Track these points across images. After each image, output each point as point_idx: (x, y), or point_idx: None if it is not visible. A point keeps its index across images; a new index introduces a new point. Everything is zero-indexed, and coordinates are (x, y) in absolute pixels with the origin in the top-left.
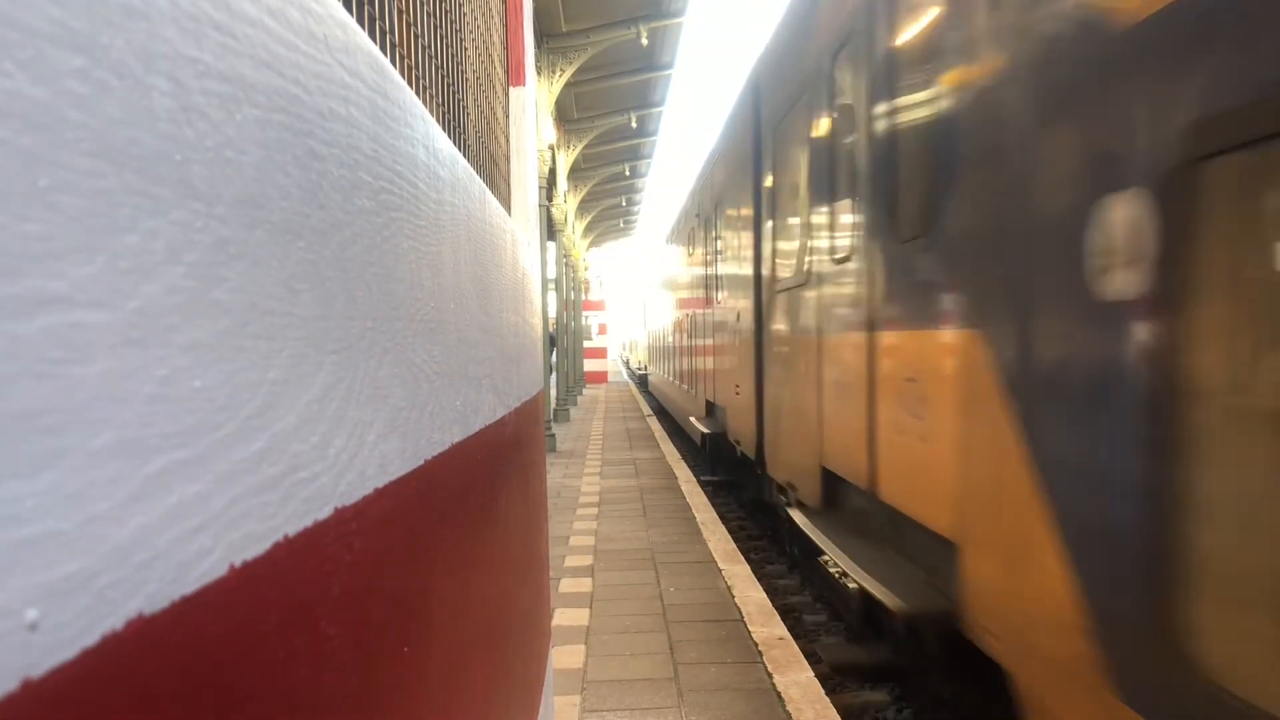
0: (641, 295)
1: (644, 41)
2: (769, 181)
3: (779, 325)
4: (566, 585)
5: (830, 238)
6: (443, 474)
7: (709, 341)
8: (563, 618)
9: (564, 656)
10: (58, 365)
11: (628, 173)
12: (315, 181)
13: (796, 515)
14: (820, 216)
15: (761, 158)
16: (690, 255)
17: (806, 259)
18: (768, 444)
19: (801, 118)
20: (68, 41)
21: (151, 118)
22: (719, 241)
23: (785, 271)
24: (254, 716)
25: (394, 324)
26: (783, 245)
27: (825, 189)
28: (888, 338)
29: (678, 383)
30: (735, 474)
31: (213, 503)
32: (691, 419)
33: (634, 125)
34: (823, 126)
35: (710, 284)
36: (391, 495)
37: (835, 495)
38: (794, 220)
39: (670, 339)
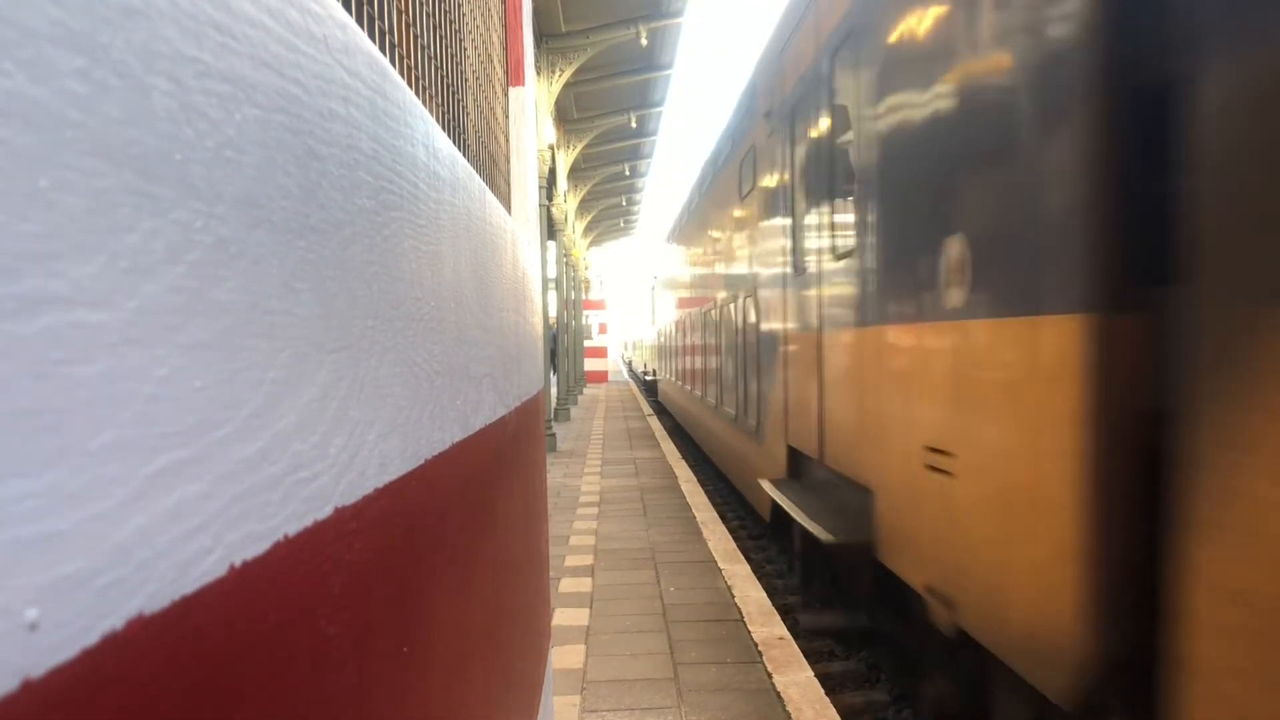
0: (652, 284)
1: (643, 42)
2: None
3: None
4: (566, 585)
5: None
6: (443, 473)
7: (808, 335)
8: (563, 617)
9: (564, 656)
10: (58, 365)
11: (628, 172)
12: (315, 181)
13: None
14: None
15: None
16: (739, 206)
17: None
18: None
19: None
20: (68, 41)
21: (151, 118)
22: (841, 141)
23: None
24: (254, 716)
25: (394, 323)
26: None
27: None
28: None
29: (710, 400)
30: (874, 612)
31: (213, 502)
32: (764, 484)
33: (634, 125)
34: None
35: (797, 235)
36: (391, 495)
37: None
38: None
39: (696, 338)
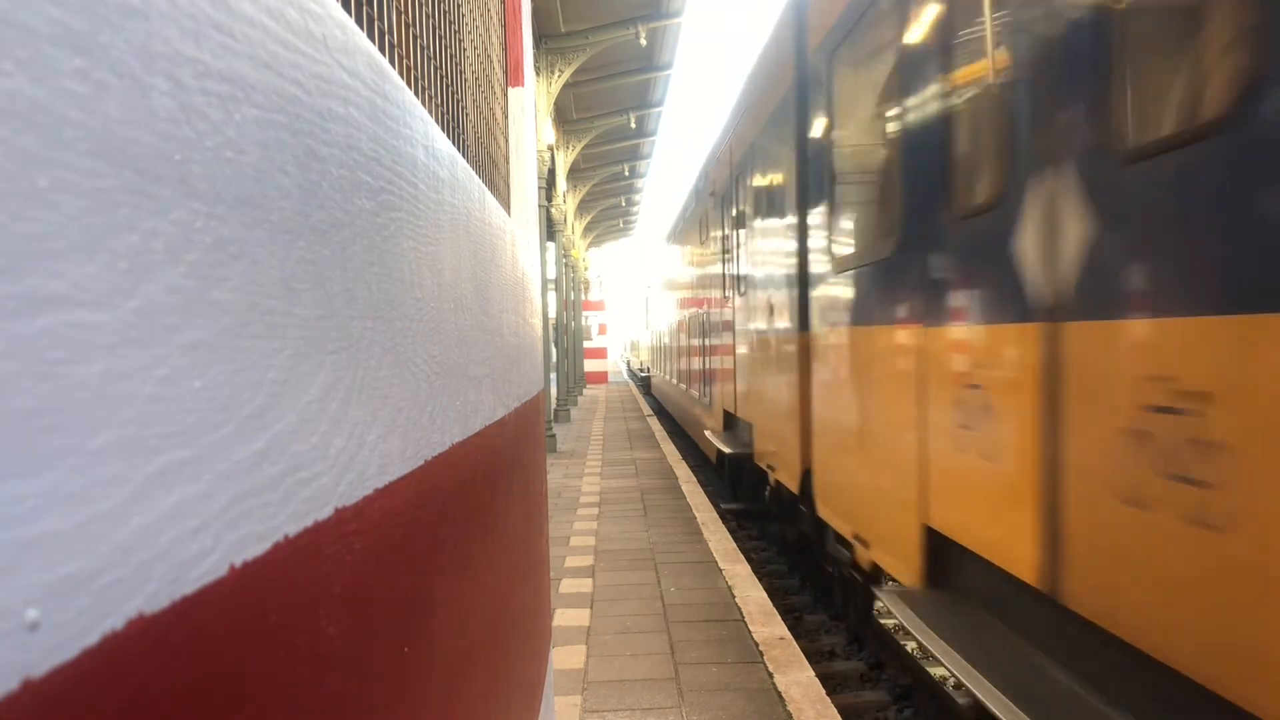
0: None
1: (643, 42)
2: None
3: None
4: (567, 585)
5: None
6: (443, 474)
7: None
8: (563, 618)
9: (565, 657)
10: (58, 365)
11: (627, 173)
12: (315, 181)
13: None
14: None
15: None
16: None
17: None
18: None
19: None
20: (67, 41)
21: (151, 118)
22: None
23: None
24: (254, 716)
25: (394, 324)
26: None
27: None
28: None
29: None
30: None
31: (213, 503)
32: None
33: (633, 125)
34: None
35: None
36: (391, 495)
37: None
38: None
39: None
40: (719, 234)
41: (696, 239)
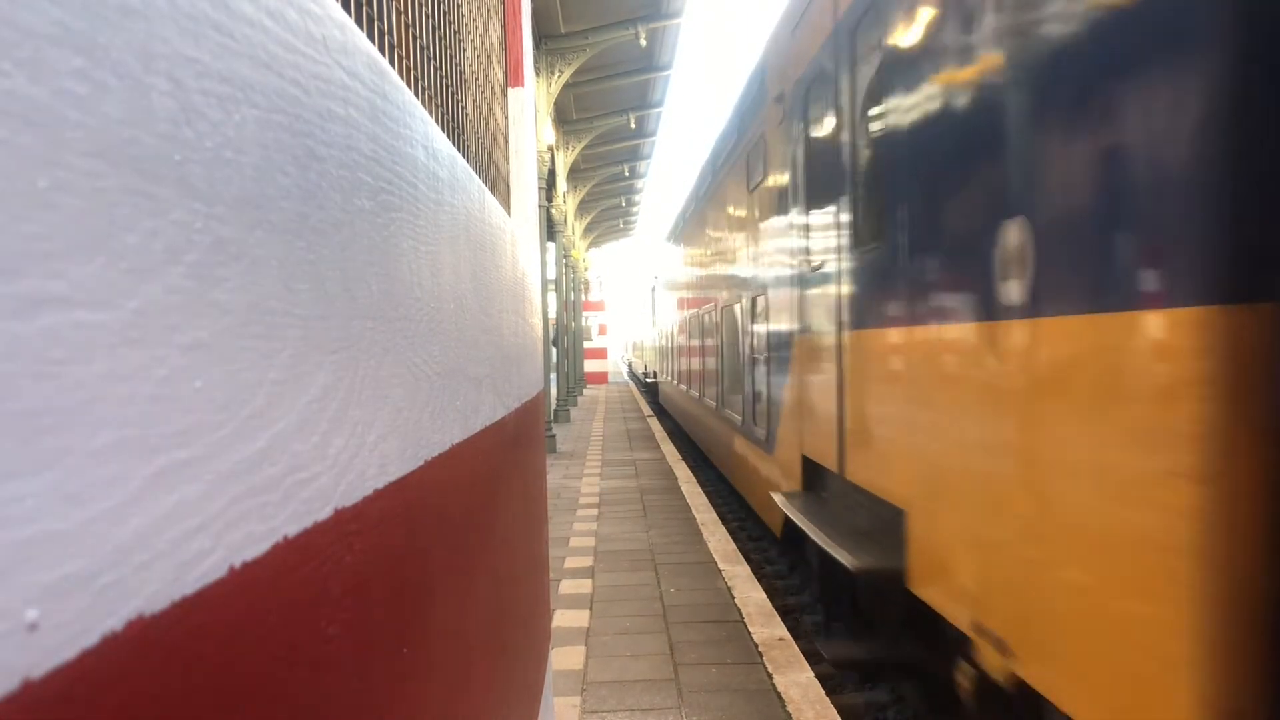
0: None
1: (643, 42)
2: None
3: None
4: (566, 587)
5: None
6: (443, 475)
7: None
8: (563, 619)
9: (564, 658)
10: (58, 365)
11: (627, 173)
12: (315, 182)
13: None
14: None
15: None
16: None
17: None
18: None
19: None
20: (67, 41)
21: (151, 118)
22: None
23: None
24: (254, 716)
25: (394, 324)
26: None
27: None
28: None
29: None
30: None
31: (213, 503)
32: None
33: (633, 126)
34: None
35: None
36: (391, 495)
37: None
38: None
39: None
40: (790, 168)
41: (739, 194)
